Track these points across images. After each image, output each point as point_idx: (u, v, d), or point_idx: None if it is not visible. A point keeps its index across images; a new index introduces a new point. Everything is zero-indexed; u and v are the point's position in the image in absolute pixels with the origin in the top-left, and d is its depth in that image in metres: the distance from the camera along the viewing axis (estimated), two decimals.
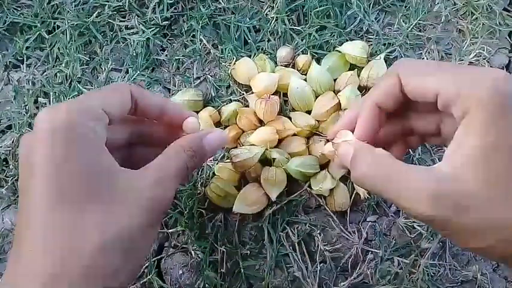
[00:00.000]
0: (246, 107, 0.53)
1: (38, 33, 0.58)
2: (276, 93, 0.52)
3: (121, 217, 0.29)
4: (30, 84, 0.57)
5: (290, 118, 0.52)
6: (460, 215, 0.27)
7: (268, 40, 0.57)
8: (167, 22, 0.58)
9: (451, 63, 0.34)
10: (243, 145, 0.51)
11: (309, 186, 0.50)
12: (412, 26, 0.57)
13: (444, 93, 0.28)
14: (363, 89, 0.52)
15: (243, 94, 0.54)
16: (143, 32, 0.57)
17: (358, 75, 0.53)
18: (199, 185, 0.51)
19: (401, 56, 0.56)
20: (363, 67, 0.54)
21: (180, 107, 0.40)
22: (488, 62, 0.56)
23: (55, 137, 0.28)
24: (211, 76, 0.56)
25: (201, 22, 0.57)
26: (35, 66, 0.58)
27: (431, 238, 0.50)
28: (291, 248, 0.50)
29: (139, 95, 0.35)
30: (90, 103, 0.31)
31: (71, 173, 0.27)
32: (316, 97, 0.52)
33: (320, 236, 0.50)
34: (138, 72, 0.56)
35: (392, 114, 0.35)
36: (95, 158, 0.29)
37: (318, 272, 0.49)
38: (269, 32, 0.57)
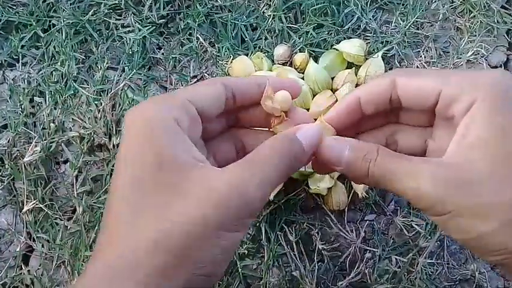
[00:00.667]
0: None
1: (33, 31, 0.57)
2: None
3: (177, 215, 0.25)
4: (26, 83, 0.57)
5: None
6: (464, 193, 0.26)
7: (265, 38, 0.57)
8: (163, 20, 0.57)
9: (452, 69, 0.34)
10: None
11: (307, 185, 0.50)
12: (409, 24, 0.57)
13: (447, 90, 0.29)
14: None
15: None
16: (139, 30, 0.57)
17: (356, 74, 0.53)
18: None
19: (399, 54, 0.56)
20: (360, 65, 0.53)
21: (280, 80, 0.34)
22: (486, 59, 0.56)
23: (133, 131, 0.27)
24: (208, 74, 0.56)
25: (197, 20, 0.57)
26: (30, 65, 0.57)
27: (429, 237, 0.50)
28: (288, 247, 0.50)
29: (234, 84, 0.32)
30: (176, 95, 0.29)
31: (144, 164, 0.26)
32: (314, 95, 0.52)
33: (318, 235, 0.50)
34: (135, 70, 0.56)
35: (374, 125, 0.34)
36: (168, 150, 0.27)
37: (316, 271, 0.49)
38: (266, 30, 0.57)
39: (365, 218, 0.51)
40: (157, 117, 0.27)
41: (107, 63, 0.56)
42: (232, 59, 0.54)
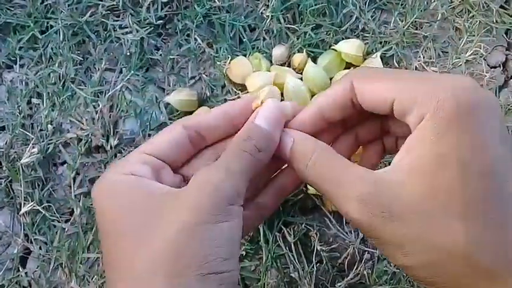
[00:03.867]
0: None
1: (31, 33, 0.57)
2: None
3: (161, 235, 0.27)
4: (24, 84, 0.56)
5: None
6: (388, 222, 0.25)
7: (264, 39, 0.56)
8: (161, 21, 0.57)
9: (414, 72, 0.31)
10: None
11: (305, 186, 0.50)
12: (408, 24, 0.57)
13: (400, 100, 0.27)
14: None
15: (238, 93, 0.54)
16: (137, 32, 0.57)
17: None
18: None
19: (398, 55, 0.56)
20: (359, 65, 0.53)
21: (247, 99, 0.34)
22: (485, 59, 0.56)
23: (100, 202, 0.29)
24: (206, 75, 0.56)
25: (195, 21, 0.57)
26: (28, 66, 0.57)
27: None
28: (287, 248, 0.50)
29: (195, 124, 0.33)
30: (133, 153, 0.31)
31: (116, 218, 0.28)
32: (312, 96, 0.52)
33: (317, 236, 0.50)
34: (132, 72, 0.55)
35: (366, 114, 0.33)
36: (133, 198, 0.28)
37: (315, 272, 0.49)
38: (264, 30, 0.56)
39: None
40: (116, 180, 0.29)
41: (104, 64, 0.56)
42: (231, 60, 0.54)
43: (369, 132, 0.35)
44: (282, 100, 0.52)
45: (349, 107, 0.31)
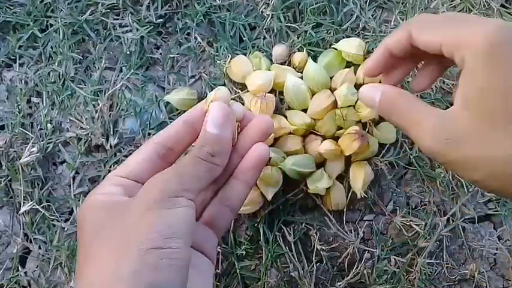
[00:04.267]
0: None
1: (30, 31, 0.57)
2: (271, 91, 0.52)
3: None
4: (23, 83, 0.56)
5: (286, 116, 0.51)
6: (453, 148, 0.31)
7: (264, 38, 0.56)
8: (161, 20, 0.57)
9: (459, 14, 0.36)
10: None
11: (305, 185, 0.50)
12: None
13: (445, 46, 0.32)
14: (360, 87, 0.52)
15: (238, 93, 0.54)
16: (137, 30, 0.57)
17: (355, 73, 0.52)
18: None
19: None
20: (359, 64, 0.53)
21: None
22: None
23: (82, 219, 0.33)
24: (206, 74, 0.55)
25: (195, 20, 0.57)
26: (27, 65, 0.57)
27: (429, 237, 0.50)
28: (287, 248, 0.50)
29: (162, 139, 0.36)
30: (108, 177, 0.35)
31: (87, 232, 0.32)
32: (312, 95, 0.52)
33: (316, 235, 0.50)
34: (132, 70, 0.55)
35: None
36: (101, 212, 0.32)
37: (315, 271, 0.49)
38: (265, 29, 0.56)
39: (364, 218, 0.51)
40: (92, 199, 0.33)
41: (104, 63, 0.56)
42: (231, 59, 0.54)
43: (429, 62, 0.40)
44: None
45: (410, 48, 0.36)
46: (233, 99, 0.54)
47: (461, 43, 0.31)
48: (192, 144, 0.37)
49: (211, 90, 0.54)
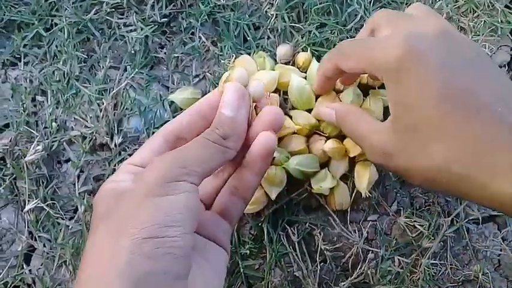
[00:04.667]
0: None
1: (35, 30, 0.57)
2: (275, 91, 0.52)
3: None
4: (28, 82, 0.56)
5: (290, 116, 0.51)
6: (388, 160, 0.35)
7: (268, 37, 0.56)
8: (166, 19, 0.57)
9: (364, 41, 0.40)
10: None
11: (309, 185, 0.50)
12: None
13: (368, 70, 0.36)
14: (364, 87, 0.52)
15: None
16: (142, 30, 0.57)
17: None
18: None
19: None
20: None
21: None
22: None
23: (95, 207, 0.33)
24: (210, 74, 0.56)
25: (200, 19, 0.57)
26: (32, 64, 0.57)
27: (433, 238, 0.50)
28: (291, 247, 0.50)
29: (172, 129, 0.37)
30: (123, 166, 0.36)
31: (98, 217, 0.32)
32: (317, 96, 0.52)
33: (320, 235, 0.50)
34: (137, 70, 0.55)
35: None
36: (111, 198, 0.32)
37: (318, 271, 0.49)
38: (269, 29, 0.56)
39: (368, 219, 0.51)
40: (106, 187, 0.33)
41: (109, 62, 0.56)
42: (235, 58, 0.54)
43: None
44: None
45: (340, 71, 0.40)
46: None
47: (377, 66, 0.34)
48: None
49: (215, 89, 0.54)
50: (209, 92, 0.55)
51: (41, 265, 0.51)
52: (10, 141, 0.54)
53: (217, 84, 0.54)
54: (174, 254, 0.27)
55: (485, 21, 0.57)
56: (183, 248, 0.28)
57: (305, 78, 0.52)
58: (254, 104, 0.36)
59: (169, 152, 0.33)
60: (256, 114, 0.37)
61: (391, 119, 0.35)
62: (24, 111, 0.55)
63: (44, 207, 0.51)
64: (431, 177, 0.33)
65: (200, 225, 0.34)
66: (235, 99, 0.35)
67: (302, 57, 0.53)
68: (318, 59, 0.54)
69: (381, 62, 0.33)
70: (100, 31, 0.57)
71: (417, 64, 0.32)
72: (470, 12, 0.58)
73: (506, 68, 0.56)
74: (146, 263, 0.26)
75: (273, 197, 0.48)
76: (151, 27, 0.57)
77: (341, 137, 0.50)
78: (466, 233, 0.51)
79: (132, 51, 0.56)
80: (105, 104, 0.54)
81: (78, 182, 0.53)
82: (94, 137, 0.53)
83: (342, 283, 0.49)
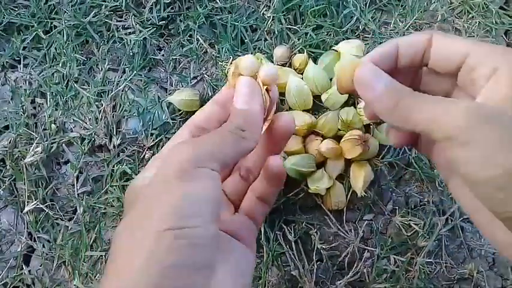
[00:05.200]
0: None
1: (35, 33, 0.58)
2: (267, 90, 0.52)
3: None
4: (27, 84, 0.57)
5: None
6: (491, 124, 0.25)
7: (265, 39, 0.57)
8: (164, 22, 0.58)
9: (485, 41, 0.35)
10: None
11: (306, 185, 0.50)
12: (408, 25, 0.57)
13: (473, 54, 0.29)
14: None
15: None
16: (140, 32, 0.57)
17: None
18: None
19: None
20: None
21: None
22: None
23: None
24: (208, 75, 0.56)
25: (197, 22, 0.57)
26: (32, 66, 0.58)
27: (428, 236, 0.50)
28: (287, 246, 0.50)
29: (194, 121, 0.36)
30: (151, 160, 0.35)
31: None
32: (313, 96, 0.52)
33: (317, 234, 0.50)
34: (135, 72, 0.56)
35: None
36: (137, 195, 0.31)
37: (315, 270, 0.50)
38: (266, 31, 0.57)
39: (363, 218, 0.52)
40: (133, 186, 0.33)
41: (107, 64, 0.57)
42: (232, 60, 0.55)
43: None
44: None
45: (419, 56, 0.32)
46: None
47: (493, 55, 0.28)
48: None
49: (213, 91, 0.55)
50: (207, 93, 0.55)
51: (41, 266, 0.52)
52: (10, 143, 0.54)
53: (216, 86, 0.55)
54: (195, 244, 0.27)
55: (479, 22, 0.57)
56: (205, 238, 0.27)
57: (302, 79, 0.52)
58: (265, 87, 0.36)
59: (192, 138, 0.33)
60: (269, 96, 0.37)
61: (504, 100, 0.27)
62: (23, 113, 0.55)
63: (43, 208, 0.52)
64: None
65: (230, 224, 0.35)
66: (247, 94, 0.35)
67: (299, 58, 0.54)
68: (315, 60, 0.55)
69: (509, 53, 0.28)
70: (99, 34, 0.58)
71: None
72: (465, 13, 0.58)
73: None
74: (170, 254, 0.26)
75: None
76: (150, 30, 0.57)
77: (337, 137, 0.50)
78: (460, 231, 0.51)
79: (131, 54, 0.57)
80: (103, 106, 0.54)
81: (77, 183, 0.53)
82: (93, 139, 0.54)
83: (338, 282, 0.49)
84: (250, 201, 0.39)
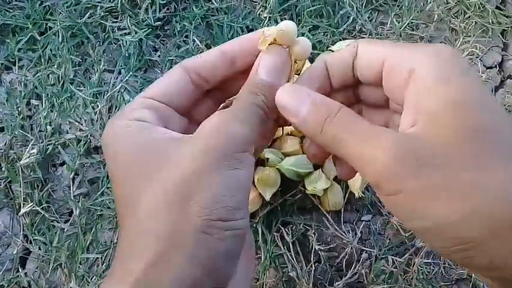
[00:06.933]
0: None
1: (30, 34, 0.58)
2: None
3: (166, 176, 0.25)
4: (23, 86, 0.57)
5: None
6: (431, 170, 0.23)
7: None
8: (160, 23, 0.58)
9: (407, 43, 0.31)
10: None
11: (303, 186, 0.50)
12: (405, 25, 0.57)
13: (390, 57, 0.27)
14: None
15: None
16: (136, 33, 0.57)
17: None
18: None
19: None
20: None
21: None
22: (481, 60, 0.56)
23: (107, 148, 0.28)
24: None
25: (194, 22, 0.57)
26: (27, 67, 0.57)
27: None
28: (285, 248, 0.50)
29: (195, 64, 0.31)
30: (134, 101, 0.30)
31: (126, 163, 0.27)
32: None
33: (314, 235, 0.50)
34: (131, 73, 0.56)
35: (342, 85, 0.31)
36: (140, 144, 0.27)
37: (313, 271, 0.49)
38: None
39: (361, 219, 0.52)
40: (124, 125, 0.28)
41: (103, 65, 0.56)
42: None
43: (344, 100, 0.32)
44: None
45: (348, 70, 0.30)
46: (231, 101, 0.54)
47: (407, 54, 0.26)
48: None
49: None
50: None
51: (37, 268, 0.51)
52: (5, 144, 0.54)
53: None
54: (239, 235, 0.26)
55: (476, 22, 0.57)
56: (247, 228, 0.26)
57: None
58: (292, 62, 0.31)
59: (227, 113, 0.27)
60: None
61: (436, 120, 0.24)
62: (19, 115, 0.55)
63: (39, 210, 0.51)
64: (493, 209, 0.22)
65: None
66: (278, 68, 0.30)
67: None
68: (312, 60, 0.54)
69: (423, 50, 0.26)
70: (94, 35, 0.58)
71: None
72: (462, 13, 0.58)
73: (497, 68, 0.57)
74: (216, 245, 0.24)
75: (268, 198, 0.48)
76: (146, 31, 0.57)
77: None
78: None
79: (127, 55, 0.56)
80: (99, 107, 0.54)
81: (73, 185, 0.53)
82: (89, 140, 0.53)
83: (337, 283, 0.49)
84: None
